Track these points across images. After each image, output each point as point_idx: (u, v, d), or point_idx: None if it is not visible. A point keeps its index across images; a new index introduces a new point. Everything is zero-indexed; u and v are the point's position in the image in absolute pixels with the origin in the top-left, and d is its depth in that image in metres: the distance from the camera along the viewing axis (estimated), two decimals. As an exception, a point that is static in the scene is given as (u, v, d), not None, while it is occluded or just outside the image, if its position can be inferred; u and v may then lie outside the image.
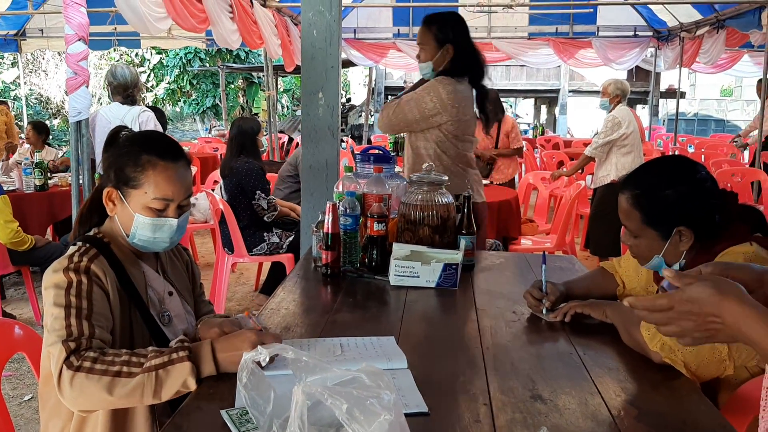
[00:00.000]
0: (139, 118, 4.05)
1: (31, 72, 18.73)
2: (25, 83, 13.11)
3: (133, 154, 1.61)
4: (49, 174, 5.13)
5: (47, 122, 13.58)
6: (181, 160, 1.65)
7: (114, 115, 4.08)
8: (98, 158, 4.13)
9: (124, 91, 4.14)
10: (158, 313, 1.68)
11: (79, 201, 3.63)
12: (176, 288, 1.78)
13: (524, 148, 6.45)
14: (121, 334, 1.57)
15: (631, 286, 1.97)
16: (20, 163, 5.17)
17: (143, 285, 1.67)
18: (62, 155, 6.19)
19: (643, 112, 16.28)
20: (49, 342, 1.44)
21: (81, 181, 3.66)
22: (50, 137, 7.09)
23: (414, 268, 2.10)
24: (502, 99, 6.41)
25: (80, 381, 1.36)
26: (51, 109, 19.56)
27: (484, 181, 5.50)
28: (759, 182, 6.64)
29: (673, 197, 1.62)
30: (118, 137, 1.71)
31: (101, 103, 18.37)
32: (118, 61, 19.04)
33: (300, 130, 4.23)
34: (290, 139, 11.58)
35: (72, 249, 1.58)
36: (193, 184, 6.62)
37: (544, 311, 1.83)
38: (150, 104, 17.82)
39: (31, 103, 17.79)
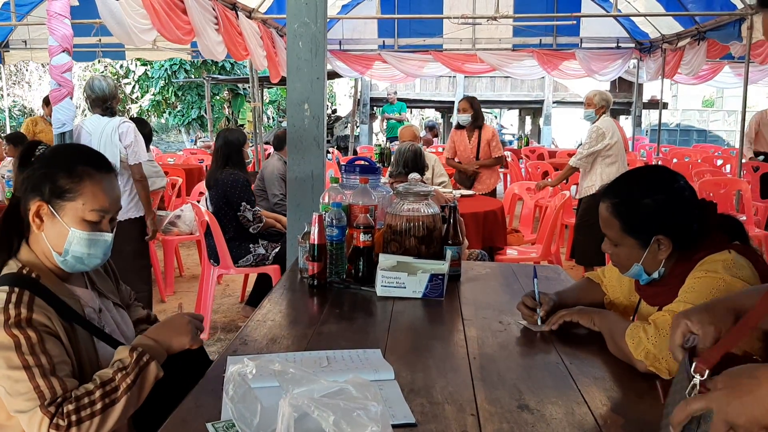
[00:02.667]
0: (119, 129, 4.00)
1: (14, 83, 18.61)
2: (8, 95, 13.02)
3: (67, 165, 1.53)
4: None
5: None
6: (112, 172, 1.61)
7: (94, 127, 4.03)
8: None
9: (103, 103, 4.10)
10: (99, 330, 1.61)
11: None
12: (110, 300, 1.72)
13: (504, 158, 6.50)
14: (88, 362, 1.51)
15: (615, 295, 1.98)
16: (3, 177, 5.11)
17: (79, 308, 1.57)
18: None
19: (626, 122, 16.45)
20: (17, 407, 1.37)
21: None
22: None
23: (400, 278, 2.11)
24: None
25: None
26: (34, 120, 19.38)
27: (468, 192, 5.55)
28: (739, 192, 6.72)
29: (652, 206, 1.64)
30: (33, 153, 1.60)
31: (85, 115, 18.27)
32: (102, 72, 18.96)
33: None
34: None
35: (1, 297, 1.42)
36: (178, 196, 6.59)
37: (539, 322, 1.83)
38: (135, 116, 17.75)
39: (14, 115, 17.65)
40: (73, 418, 1.35)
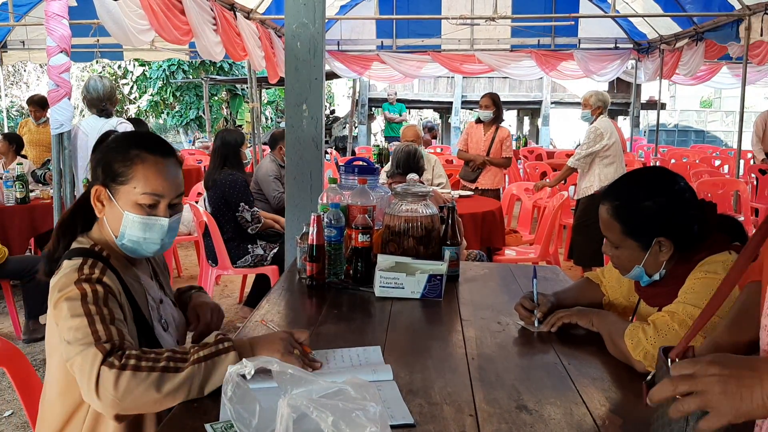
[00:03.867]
0: (117, 130, 4.02)
1: (12, 84, 18.58)
2: (6, 95, 12.99)
3: (122, 149, 1.55)
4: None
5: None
6: (171, 157, 1.59)
7: (91, 127, 4.04)
8: (79, 170, 4.10)
9: (99, 103, 4.11)
10: (158, 320, 1.64)
11: (60, 213, 3.60)
12: (168, 296, 1.77)
13: (512, 160, 6.53)
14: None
15: (614, 296, 1.98)
16: (0, 177, 5.11)
17: (143, 294, 1.61)
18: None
19: (624, 123, 16.45)
20: (74, 352, 1.34)
21: (62, 194, 3.63)
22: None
23: (399, 279, 2.10)
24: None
25: (126, 380, 1.28)
26: (32, 121, 19.35)
27: (467, 192, 5.55)
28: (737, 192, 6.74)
29: (653, 208, 1.64)
30: (106, 140, 1.66)
31: (83, 115, 18.25)
32: (100, 73, 18.95)
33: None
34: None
35: (74, 263, 1.47)
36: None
37: (536, 323, 1.83)
38: (133, 116, 17.73)
39: (12, 116, 17.62)
40: (132, 362, 1.30)
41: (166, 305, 1.72)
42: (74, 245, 1.56)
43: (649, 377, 1.05)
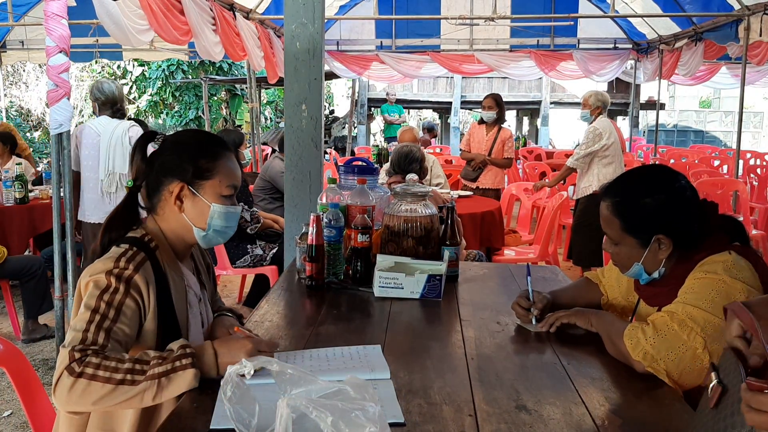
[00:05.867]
0: (129, 132, 4.06)
1: (11, 84, 18.55)
2: (5, 95, 13.00)
3: (203, 147, 1.67)
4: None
5: (27, 134, 13.39)
6: (233, 151, 1.75)
7: (104, 128, 4.06)
8: (84, 170, 4.10)
9: (113, 105, 4.15)
10: (196, 316, 1.69)
11: (60, 213, 3.59)
12: (206, 289, 1.82)
13: (513, 161, 6.55)
14: (150, 343, 1.56)
15: (613, 295, 1.98)
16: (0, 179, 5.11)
17: (184, 291, 1.66)
18: (42, 168, 6.11)
19: (623, 123, 16.45)
20: (66, 340, 1.43)
21: (62, 194, 3.63)
22: (30, 149, 6.97)
23: (398, 279, 2.11)
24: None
25: (81, 387, 1.34)
26: (32, 121, 19.35)
27: (466, 193, 5.55)
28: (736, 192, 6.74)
29: (652, 205, 1.64)
30: (152, 140, 1.73)
31: (83, 116, 18.23)
32: (99, 73, 18.93)
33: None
34: (274, 150, 11.56)
35: (118, 250, 1.54)
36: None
37: (533, 321, 1.84)
38: (132, 116, 17.70)
39: (12, 116, 17.61)
40: (89, 371, 1.35)
41: (204, 304, 1.78)
42: (129, 234, 1.63)
43: (713, 382, 1.02)
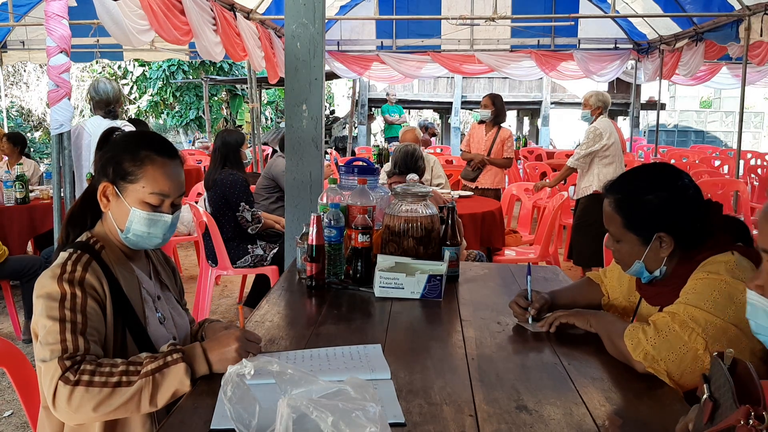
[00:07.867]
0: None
1: (12, 84, 18.56)
2: (6, 95, 12.99)
3: (132, 149, 1.62)
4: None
5: (28, 134, 13.39)
6: (176, 159, 1.67)
7: (94, 129, 4.07)
8: (85, 169, 4.11)
9: (106, 106, 4.15)
10: (153, 312, 1.68)
11: (60, 214, 3.59)
12: (172, 294, 1.81)
13: (512, 161, 6.55)
14: (113, 341, 1.56)
15: (615, 296, 1.98)
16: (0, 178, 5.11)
17: (137, 286, 1.66)
18: (43, 168, 6.11)
19: (624, 123, 16.45)
20: (42, 356, 1.42)
21: (63, 194, 3.63)
22: (31, 149, 6.96)
23: (399, 279, 2.11)
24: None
25: (79, 395, 1.36)
26: (32, 121, 19.37)
27: (467, 193, 5.55)
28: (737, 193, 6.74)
29: (654, 203, 1.64)
30: (111, 137, 1.72)
31: (83, 116, 18.23)
32: (100, 73, 18.94)
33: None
34: (274, 151, 11.56)
35: (63, 256, 1.55)
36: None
37: (530, 320, 1.84)
38: (133, 116, 17.73)
39: (12, 116, 17.62)
40: (85, 378, 1.37)
41: (164, 302, 1.76)
42: (77, 239, 1.64)
43: (705, 396, 1.00)
